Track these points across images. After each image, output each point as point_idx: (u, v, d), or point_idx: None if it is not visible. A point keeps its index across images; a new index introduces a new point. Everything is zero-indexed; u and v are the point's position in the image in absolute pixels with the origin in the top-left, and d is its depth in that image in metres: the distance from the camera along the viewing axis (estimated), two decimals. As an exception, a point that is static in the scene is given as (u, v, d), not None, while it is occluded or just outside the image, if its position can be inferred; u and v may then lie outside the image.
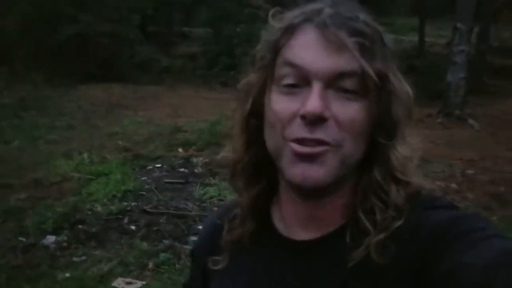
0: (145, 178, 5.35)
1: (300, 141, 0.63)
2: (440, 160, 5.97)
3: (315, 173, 0.63)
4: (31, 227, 4.10)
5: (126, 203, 4.62)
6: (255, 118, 0.71)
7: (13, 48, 11.31)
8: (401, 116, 0.66)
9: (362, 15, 0.65)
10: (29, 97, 9.25)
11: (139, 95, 10.29)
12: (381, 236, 0.63)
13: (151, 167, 5.70)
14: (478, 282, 0.52)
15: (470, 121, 8.96)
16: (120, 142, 6.65)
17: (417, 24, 15.72)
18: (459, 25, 9.15)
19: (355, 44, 0.62)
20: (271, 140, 0.67)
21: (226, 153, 0.76)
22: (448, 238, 0.59)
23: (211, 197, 4.80)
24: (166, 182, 5.23)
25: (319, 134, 0.62)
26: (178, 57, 14.77)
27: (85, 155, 5.97)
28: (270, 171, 0.72)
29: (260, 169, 0.74)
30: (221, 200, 4.67)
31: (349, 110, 0.63)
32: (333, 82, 0.62)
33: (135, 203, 4.64)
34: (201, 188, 5.03)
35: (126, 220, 4.33)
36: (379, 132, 0.65)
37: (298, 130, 0.63)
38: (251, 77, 0.71)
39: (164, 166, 5.74)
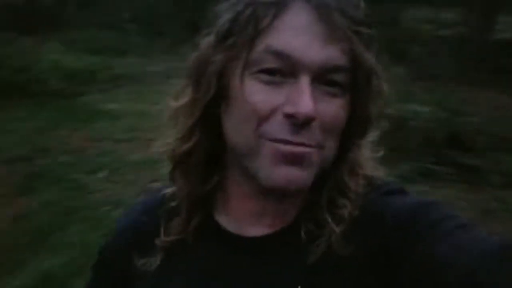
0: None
1: (281, 142, 0.57)
2: None
3: (300, 176, 0.57)
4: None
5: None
6: (215, 104, 0.61)
7: (166, 23, 12.54)
8: (375, 114, 0.62)
9: None
10: (175, 67, 10.24)
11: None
12: (342, 226, 0.60)
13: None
14: (462, 280, 0.49)
15: None
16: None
17: None
18: None
19: (355, 34, 0.55)
20: (240, 135, 0.59)
21: (166, 140, 0.67)
22: (419, 227, 0.56)
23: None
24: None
25: (303, 138, 0.56)
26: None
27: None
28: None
29: (214, 161, 0.66)
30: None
31: (334, 108, 0.57)
32: (322, 75, 0.56)
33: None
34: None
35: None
36: (353, 129, 0.61)
37: (280, 129, 0.56)
38: (209, 52, 0.60)
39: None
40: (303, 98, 0.54)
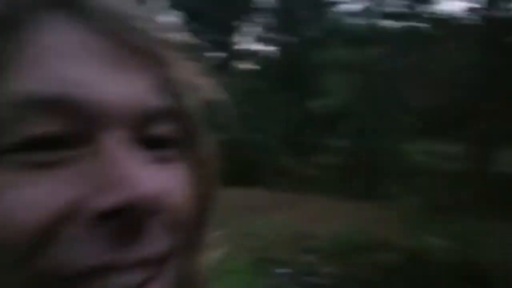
0: (270, 281, 5.29)
1: (98, 270, 0.27)
2: None
3: None
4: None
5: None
6: None
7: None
8: (216, 184, 0.38)
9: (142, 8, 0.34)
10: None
11: (273, 200, 10.57)
12: None
13: (277, 271, 5.66)
14: None
15: None
16: (249, 243, 6.78)
17: None
18: None
19: (165, 54, 0.32)
20: None
21: None
22: None
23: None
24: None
25: (143, 247, 0.29)
26: (317, 166, 15.10)
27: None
28: None
29: None
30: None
31: (175, 183, 0.32)
32: (138, 129, 0.31)
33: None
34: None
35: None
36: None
37: (89, 247, 0.27)
38: None
39: (290, 272, 5.65)
40: (129, 173, 0.27)
